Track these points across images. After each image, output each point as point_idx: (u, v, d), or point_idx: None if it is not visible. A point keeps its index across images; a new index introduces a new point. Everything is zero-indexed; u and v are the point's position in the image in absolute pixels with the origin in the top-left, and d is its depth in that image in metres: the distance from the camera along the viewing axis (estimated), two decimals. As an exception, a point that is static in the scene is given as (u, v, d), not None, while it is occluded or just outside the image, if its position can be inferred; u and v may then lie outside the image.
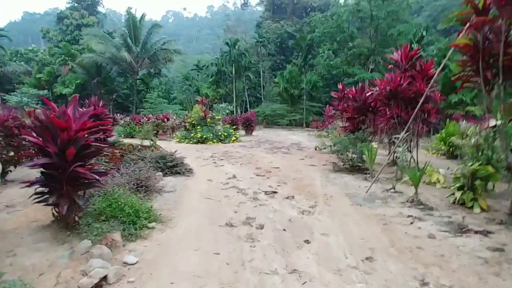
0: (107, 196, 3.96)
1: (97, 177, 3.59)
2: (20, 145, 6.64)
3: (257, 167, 8.23)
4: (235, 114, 34.06)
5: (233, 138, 15.60)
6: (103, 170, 4.61)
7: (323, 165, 8.56)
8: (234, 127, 18.85)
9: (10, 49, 49.09)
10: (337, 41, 30.96)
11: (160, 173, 6.66)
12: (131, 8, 37.19)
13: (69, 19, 44.32)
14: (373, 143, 8.69)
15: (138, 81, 39.26)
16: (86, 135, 3.54)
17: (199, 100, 18.12)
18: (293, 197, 5.41)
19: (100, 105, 8.83)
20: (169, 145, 14.37)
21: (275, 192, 5.68)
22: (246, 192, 5.70)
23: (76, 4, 48.62)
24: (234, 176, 7.01)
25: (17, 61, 45.29)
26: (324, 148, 11.15)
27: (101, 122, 4.90)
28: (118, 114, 26.06)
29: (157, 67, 40.55)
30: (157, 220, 4.10)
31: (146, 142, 10.68)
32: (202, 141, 14.94)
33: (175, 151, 8.06)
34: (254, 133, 21.21)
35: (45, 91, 38.53)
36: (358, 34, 30.88)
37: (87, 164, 3.72)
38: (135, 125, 19.89)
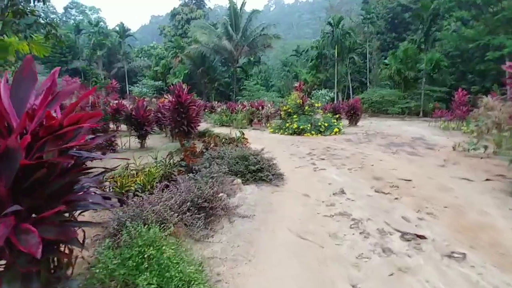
0: (128, 239, 2.34)
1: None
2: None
3: (375, 176, 5.72)
4: (336, 101, 30.81)
5: (335, 129, 13.06)
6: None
7: (486, 179, 5.42)
8: (337, 116, 16.16)
9: (136, 47, 56.87)
10: (476, 3, 23.90)
11: (239, 180, 4.94)
12: (233, -4, 37.24)
13: (180, 15, 47.99)
14: None
15: (238, 69, 39.72)
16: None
17: (297, 85, 16.05)
18: (462, 255, 2.87)
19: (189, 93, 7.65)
20: (261, 136, 12.90)
21: (420, 237, 3.22)
22: (365, 229, 3.42)
23: (186, 0, 52.40)
24: (342, 191, 4.75)
25: (141, 57, 52.02)
26: (473, 149, 7.68)
27: (91, 114, 2.23)
28: (216, 102, 26.30)
29: (256, 54, 40.15)
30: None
31: (237, 132, 9.27)
32: (299, 132, 12.92)
33: (262, 150, 6.27)
34: (359, 123, 18.03)
35: (160, 82, 42.85)
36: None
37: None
38: (231, 113, 19.28)
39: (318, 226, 3.49)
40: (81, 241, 1.89)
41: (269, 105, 18.91)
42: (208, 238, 3.08)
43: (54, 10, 58.58)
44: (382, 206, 4.18)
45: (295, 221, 3.62)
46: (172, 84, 40.67)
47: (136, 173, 4.45)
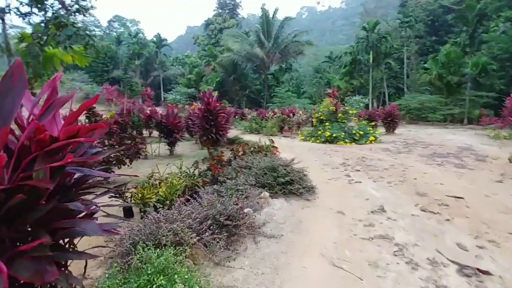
0: (139, 263, 2.07)
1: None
2: (123, 143, 5.88)
3: (419, 191, 5.10)
4: (370, 108, 29.56)
5: (371, 137, 12.30)
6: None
7: (557, 200, 4.60)
8: (372, 123, 15.31)
9: (172, 56, 59.01)
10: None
11: (267, 193, 4.59)
12: (264, 5, 37.48)
13: (213, 24, 49.15)
14: None
15: (269, 76, 39.66)
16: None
17: (329, 92, 15.46)
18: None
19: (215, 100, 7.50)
20: (291, 144, 12.48)
21: (483, 272, 2.66)
22: (412, 257, 2.92)
23: (220, 11, 53.62)
24: (382, 209, 4.23)
25: (176, 66, 53.84)
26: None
27: (92, 126, 1.87)
28: (247, 109, 26.25)
29: (288, 61, 39.88)
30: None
31: (266, 141, 8.97)
32: (331, 140, 12.33)
33: (292, 160, 5.85)
34: (396, 131, 16.98)
35: (193, 89, 43.91)
36: None
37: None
38: (261, 120, 19.05)
39: (356, 252, 3.03)
40: (78, 274, 1.64)
41: (300, 112, 18.45)
42: (229, 261, 2.76)
43: (99, 24, 62.61)
44: (431, 228, 3.61)
45: (328, 244, 3.19)
46: (200, 91, 41.80)
47: (159, 184, 4.27)
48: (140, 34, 52.52)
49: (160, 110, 20.06)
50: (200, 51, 50.18)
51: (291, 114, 17.91)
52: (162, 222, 2.72)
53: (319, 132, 13.07)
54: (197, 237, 2.72)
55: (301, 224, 3.73)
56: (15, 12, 9.32)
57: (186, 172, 4.82)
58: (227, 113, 11.13)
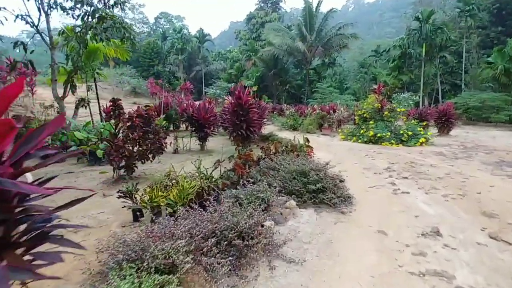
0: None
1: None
2: (145, 138, 5.59)
3: (485, 211, 4.11)
4: (421, 106, 27.12)
5: (422, 139, 10.96)
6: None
7: None
8: (423, 123, 13.79)
9: (214, 51, 59.86)
10: None
11: (293, 202, 3.96)
12: (308, -4, 36.00)
13: (255, 19, 48.67)
14: None
15: (310, 71, 38.34)
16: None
17: (375, 88, 14.17)
18: None
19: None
20: (330, 143, 11.59)
21: None
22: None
23: (262, 4, 52.98)
24: (437, 232, 3.39)
25: (218, 61, 54.51)
26: None
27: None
28: (285, 105, 25.47)
29: (331, 55, 38.17)
30: None
31: (300, 139, 8.28)
32: (375, 140, 11.21)
33: (326, 164, 5.12)
34: (452, 132, 15.15)
35: (233, 84, 44.06)
36: None
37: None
38: (299, 116, 18.24)
39: (401, 294, 2.31)
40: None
41: (341, 109, 17.29)
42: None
43: (147, 21, 65.57)
44: (506, 267, 2.74)
45: (364, 278, 2.50)
46: (245, 86, 41.74)
47: (173, 184, 3.84)
48: (184, 30, 53.81)
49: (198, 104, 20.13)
50: (241, 45, 50.08)
51: (331, 111, 16.83)
52: (156, 235, 2.23)
53: (362, 131, 11.99)
54: (195, 259, 2.20)
55: (331, 246, 3.05)
56: (60, 7, 9.54)
57: (203, 173, 4.35)
58: (262, 108, 10.59)
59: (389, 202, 4.53)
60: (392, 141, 10.89)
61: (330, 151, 9.59)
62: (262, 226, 3.12)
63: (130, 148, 5.41)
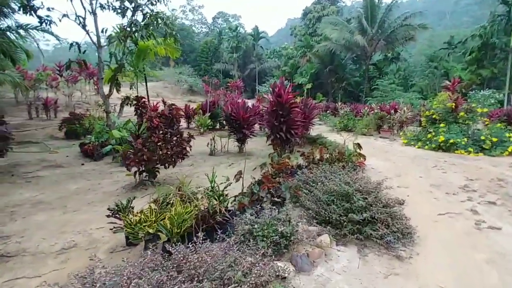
0: None
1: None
2: (168, 140, 4.99)
3: None
4: (506, 105, 23.03)
5: (510, 147, 8.77)
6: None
7: None
8: (512, 127, 11.25)
9: (268, 49, 59.35)
10: None
11: (328, 237, 2.92)
12: (370, -14, 33.10)
13: (312, 13, 46.76)
14: None
15: (370, 66, 35.44)
16: None
17: (447, 84, 11.98)
18: None
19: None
20: (389, 149, 9.97)
21: None
22: None
23: (320, -2, 50.76)
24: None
25: (272, 58, 53.86)
26: None
27: None
28: (340, 103, 23.63)
29: (395, 49, 34.73)
30: None
31: (348, 144, 7.04)
32: (446, 147, 9.32)
33: (378, 184, 3.92)
34: (551, 139, 12.15)
35: (286, 82, 42.94)
36: None
37: None
38: (354, 116, 16.54)
39: None
40: None
41: (405, 108, 15.18)
42: None
43: (205, 21, 67.72)
44: None
45: None
46: (299, 84, 40.27)
47: (172, 205, 3.10)
48: (240, 28, 54.17)
49: (251, 102, 19.62)
50: (296, 41, 48.60)
51: (392, 111, 14.87)
52: None
53: (429, 135, 10.12)
54: None
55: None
56: (111, 8, 9.55)
57: (214, 189, 3.52)
58: (310, 107, 9.49)
59: (470, 243, 3.21)
60: (470, 149, 8.90)
61: (388, 158, 8.11)
62: (277, 276, 2.20)
63: (151, 151, 4.85)
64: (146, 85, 15.82)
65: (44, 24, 9.54)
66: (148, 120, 4.77)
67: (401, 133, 13.10)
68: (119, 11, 9.60)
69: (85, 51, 10.32)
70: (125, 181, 5.65)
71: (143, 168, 4.93)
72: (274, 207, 3.10)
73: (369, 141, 11.95)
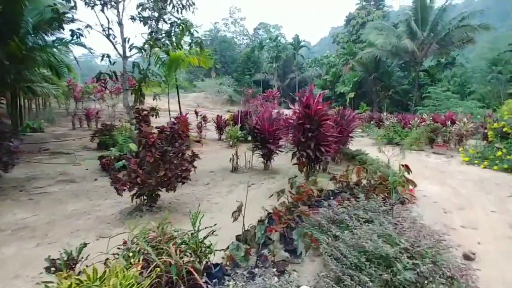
0: None
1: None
2: (167, 160, 4.21)
3: None
4: None
5: None
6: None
7: None
8: None
9: (310, 58, 58.12)
10: None
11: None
12: (421, -14, 30.50)
13: (355, 19, 44.73)
14: None
15: (421, 73, 32.48)
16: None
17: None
18: None
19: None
20: (445, 169, 8.28)
21: None
22: None
23: (364, 3, 48.51)
24: None
25: (314, 67, 52.50)
26: None
27: None
28: (385, 113, 21.56)
29: (449, 54, 31.46)
30: None
31: (393, 166, 5.72)
32: (523, 169, 7.47)
33: (441, 236, 2.70)
34: None
35: (327, 91, 41.25)
36: None
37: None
38: (402, 128, 14.74)
39: None
40: None
41: (464, 119, 13.08)
42: None
43: (247, 32, 68.50)
44: None
45: None
46: (341, 93, 38.30)
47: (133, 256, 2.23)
48: (280, 38, 53.72)
49: (288, 112, 18.68)
50: (339, 49, 46.74)
51: (448, 122, 12.87)
52: None
53: (499, 153, 8.27)
54: None
55: None
56: (139, 18, 9.31)
57: (189, 237, 2.55)
58: (348, 119, 8.24)
59: None
60: (557, 171, 6.99)
61: (446, 182, 6.58)
62: None
63: (148, 172, 4.11)
64: (178, 96, 15.65)
65: (75, 37, 9.59)
66: (143, 137, 4.05)
67: (460, 149, 11.14)
68: (147, 21, 9.35)
69: (114, 62, 10.24)
70: (126, 203, 4.99)
71: (139, 192, 4.20)
72: (284, 259, 2.09)
73: (420, 157, 10.26)
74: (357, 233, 2.52)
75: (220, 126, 14.61)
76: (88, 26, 8.45)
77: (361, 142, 13.73)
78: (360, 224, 2.82)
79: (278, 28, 64.38)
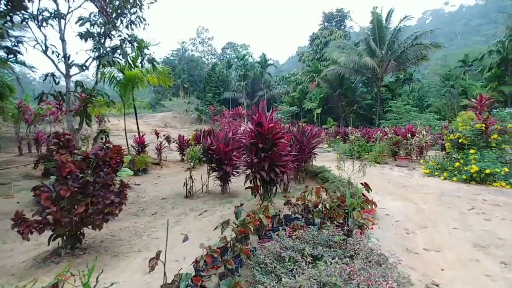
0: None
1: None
2: (88, 194, 3.52)
3: None
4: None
5: None
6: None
7: None
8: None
9: (277, 76, 59.12)
10: None
11: None
12: (376, 8, 32.29)
13: (319, 39, 46.38)
14: None
15: (382, 88, 33.88)
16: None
17: (473, 102, 10.27)
18: None
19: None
20: (407, 182, 8.13)
21: None
22: None
23: (326, 24, 50.68)
24: None
25: (281, 85, 53.33)
26: None
27: None
28: (350, 128, 21.91)
29: (407, 70, 33.22)
30: None
31: (355, 184, 5.36)
32: (481, 179, 7.47)
33: (405, 278, 2.26)
34: None
35: (295, 107, 41.86)
36: None
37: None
38: (366, 142, 14.83)
39: None
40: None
41: (423, 131, 13.40)
42: None
43: (215, 52, 68.78)
44: None
45: None
46: (308, 109, 38.84)
47: None
48: (248, 57, 54.32)
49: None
50: (304, 67, 47.98)
51: (408, 134, 13.10)
52: None
53: (457, 164, 8.31)
54: None
55: None
56: (79, 34, 8.50)
57: None
58: (308, 135, 7.93)
59: None
60: (512, 180, 7.05)
61: (408, 197, 6.36)
62: None
63: (66, 209, 3.40)
64: (136, 116, 14.78)
65: (12, 55, 8.67)
66: (59, 166, 3.34)
67: (421, 161, 11.26)
68: (87, 37, 8.61)
69: (59, 81, 9.37)
70: (48, 245, 4.18)
71: (55, 233, 3.46)
72: None
73: (384, 171, 10.18)
74: (298, 280, 2.03)
75: (182, 146, 13.89)
76: (19, 42, 7.62)
77: (327, 158, 13.58)
78: (306, 264, 2.34)
79: (246, 47, 65.18)
